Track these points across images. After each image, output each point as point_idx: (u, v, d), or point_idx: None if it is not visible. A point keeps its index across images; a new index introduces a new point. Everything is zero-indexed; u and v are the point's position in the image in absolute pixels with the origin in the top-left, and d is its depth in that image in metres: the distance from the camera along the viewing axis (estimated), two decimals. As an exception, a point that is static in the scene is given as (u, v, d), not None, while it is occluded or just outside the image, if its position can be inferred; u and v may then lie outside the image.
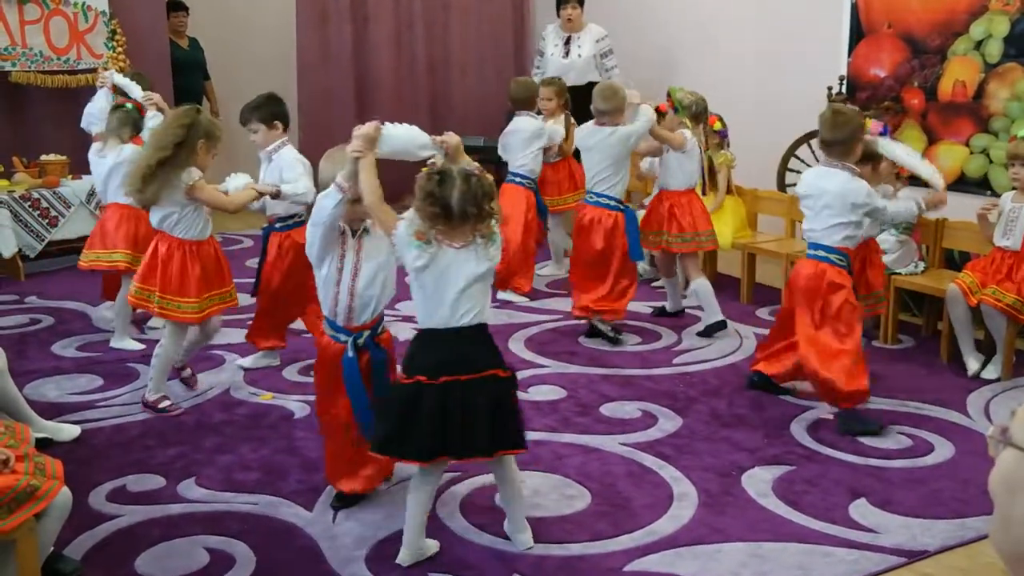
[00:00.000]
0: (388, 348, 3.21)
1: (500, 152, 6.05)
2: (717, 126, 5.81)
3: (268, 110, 4.38)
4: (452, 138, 2.99)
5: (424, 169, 2.84)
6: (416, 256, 2.77)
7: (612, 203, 4.94)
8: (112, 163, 4.93)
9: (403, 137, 3.01)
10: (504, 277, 5.70)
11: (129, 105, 5.04)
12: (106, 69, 6.46)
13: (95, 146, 5.11)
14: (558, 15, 7.53)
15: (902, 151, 4.33)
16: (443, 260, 2.79)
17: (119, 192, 4.79)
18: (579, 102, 7.16)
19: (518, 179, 5.87)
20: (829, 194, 3.86)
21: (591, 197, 4.99)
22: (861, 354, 3.93)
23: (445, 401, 2.78)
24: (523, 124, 5.87)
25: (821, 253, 3.92)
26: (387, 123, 3.00)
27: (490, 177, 2.87)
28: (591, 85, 7.26)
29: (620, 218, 4.92)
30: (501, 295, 5.75)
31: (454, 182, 2.74)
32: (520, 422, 2.94)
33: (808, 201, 3.94)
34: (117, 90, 5.34)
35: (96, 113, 5.48)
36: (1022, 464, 0.97)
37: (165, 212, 4.00)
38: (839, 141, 3.87)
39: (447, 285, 2.80)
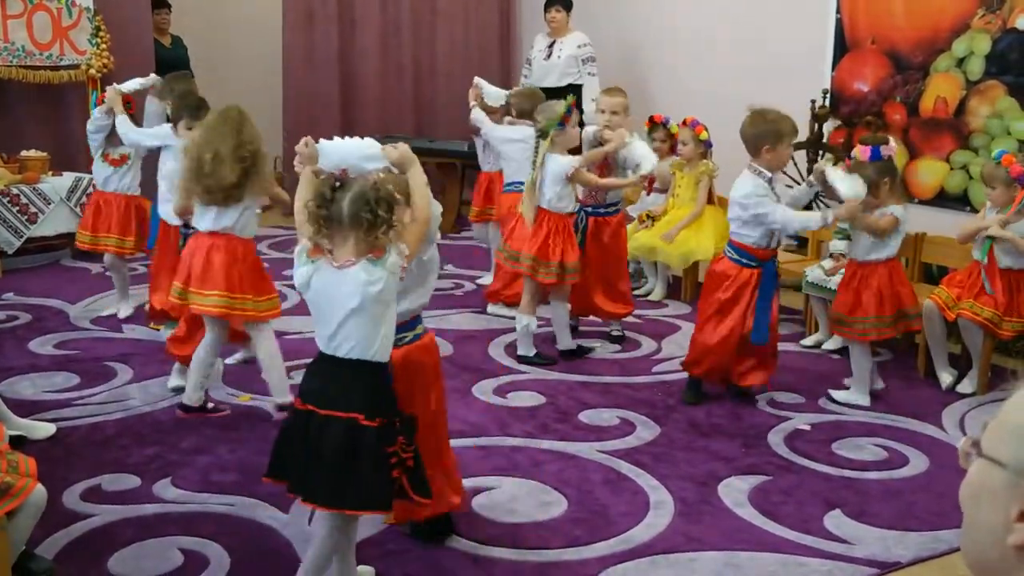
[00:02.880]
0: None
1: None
2: (704, 135, 5.84)
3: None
4: (393, 152, 2.67)
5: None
6: (301, 273, 2.54)
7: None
8: None
9: (342, 150, 2.67)
10: (496, 289, 5.60)
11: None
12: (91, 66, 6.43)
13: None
14: (545, 20, 7.64)
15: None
16: (322, 279, 2.52)
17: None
18: None
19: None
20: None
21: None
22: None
23: (305, 430, 2.57)
24: (521, 133, 5.75)
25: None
26: (326, 140, 2.76)
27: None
28: (570, 87, 7.35)
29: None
30: (492, 309, 5.62)
31: (352, 184, 2.51)
32: (385, 483, 2.55)
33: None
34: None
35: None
36: (987, 473, 0.99)
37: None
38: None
39: (331, 308, 2.53)
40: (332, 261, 2.51)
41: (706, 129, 5.84)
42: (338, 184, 2.52)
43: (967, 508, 1.02)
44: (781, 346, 5.12)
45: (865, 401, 4.33)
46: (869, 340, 4.32)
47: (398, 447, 2.58)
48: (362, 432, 2.51)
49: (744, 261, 4.19)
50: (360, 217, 2.45)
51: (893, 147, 4.31)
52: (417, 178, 2.69)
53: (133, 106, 5.09)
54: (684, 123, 5.92)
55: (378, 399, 2.58)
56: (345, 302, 2.49)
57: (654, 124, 5.98)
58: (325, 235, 2.51)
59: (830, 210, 4.22)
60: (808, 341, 5.18)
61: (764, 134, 4.08)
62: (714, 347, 4.19)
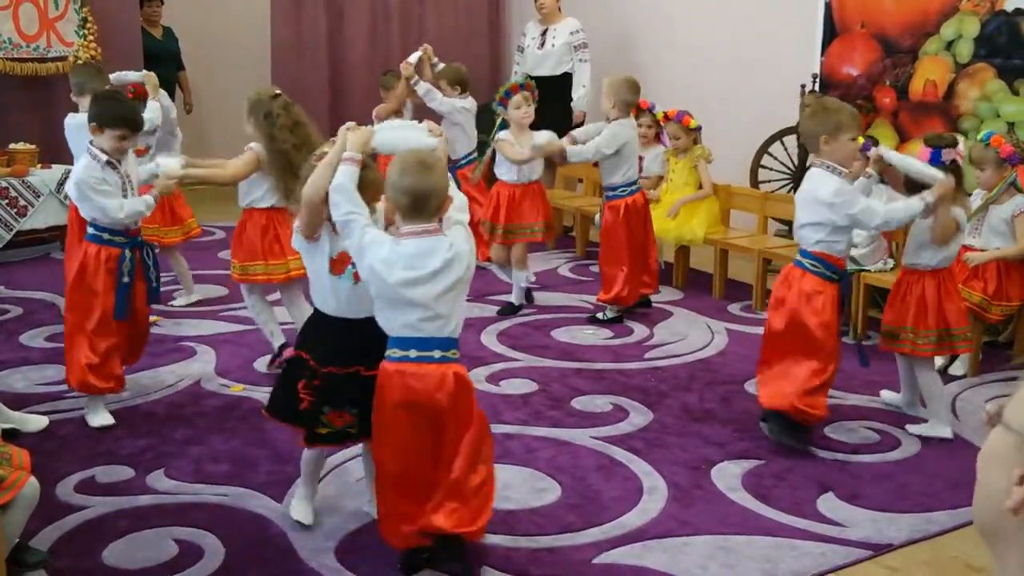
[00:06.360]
0: None
1: None
2: (693, 124, 5.84)
3: None
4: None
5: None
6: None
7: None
8: None
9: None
10: None
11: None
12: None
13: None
14: (535, 6, 7.56)
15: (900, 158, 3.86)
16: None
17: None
18: (554, 92, 7.16)
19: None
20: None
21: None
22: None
23: None
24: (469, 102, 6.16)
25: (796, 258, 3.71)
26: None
27: None
28: (565, 76, 7.33)
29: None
30: None
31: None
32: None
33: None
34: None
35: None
36: (999, 437, 1.01)
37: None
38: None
39: None
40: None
41: (692, 117, 5.84)
42: None
43: (982, 471, 1.04)
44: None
45: (946, 432, 3.82)
46: (912, 354, 3.83)
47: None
48: None
49: (830, 275, 3.61)
50: None
51: (960, 150, 3.89)
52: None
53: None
54: (667, 117, 5.87)
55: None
56: None
57: (640, 110, 5.97)
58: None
59: (927, 191, 3.63)
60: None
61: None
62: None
